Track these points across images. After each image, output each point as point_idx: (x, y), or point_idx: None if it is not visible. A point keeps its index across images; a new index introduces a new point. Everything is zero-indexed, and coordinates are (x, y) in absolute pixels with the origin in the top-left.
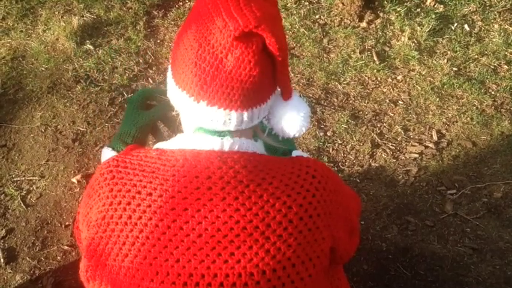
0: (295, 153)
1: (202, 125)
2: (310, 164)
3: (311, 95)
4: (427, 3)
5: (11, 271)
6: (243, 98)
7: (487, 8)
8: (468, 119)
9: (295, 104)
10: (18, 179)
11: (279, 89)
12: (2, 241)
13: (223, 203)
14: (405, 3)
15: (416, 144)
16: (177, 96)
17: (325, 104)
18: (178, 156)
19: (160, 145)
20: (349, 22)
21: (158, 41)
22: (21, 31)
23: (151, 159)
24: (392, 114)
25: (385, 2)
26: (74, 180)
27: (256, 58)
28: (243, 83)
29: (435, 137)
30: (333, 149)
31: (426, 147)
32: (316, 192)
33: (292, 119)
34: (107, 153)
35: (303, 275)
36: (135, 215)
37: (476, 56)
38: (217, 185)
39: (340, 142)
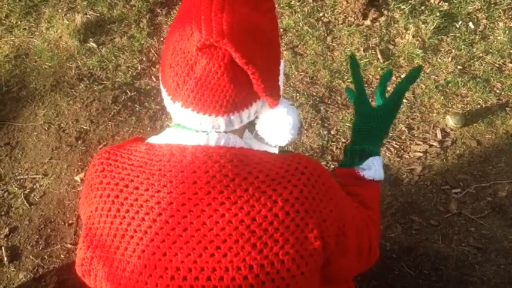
0: (371, 160)
1: (181, 123)
2: (302, 160)
3: (315, 93)
4: (432, 1)
5: (14, 269)
6: (216, 104)
7: (492, 5)
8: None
9: (281, 113)
10: (22, 177)
11: None
12: (5, 239)
13: (208, 197)
14: (409, 1)
15: (420, 143)
16: (162, 92)
17: (329, 102)
18: (165, 151)
19: (151, 140)
20: (353, 20)
21: (161, 39)
22: (25, 29)
23: (140, 153)
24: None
25: (390, 0)
26: (77, 178)
27: (223, 69)
28: (213, 91)
29: (439, 136)
30: (336, 148)
31: (430, 146)
32: (303, 188)
33: (276, 128)
34: None
35: (294, 272)
36: (122, 208)
37: (481, 54)
38: (202, 179)
39: (344, 141)
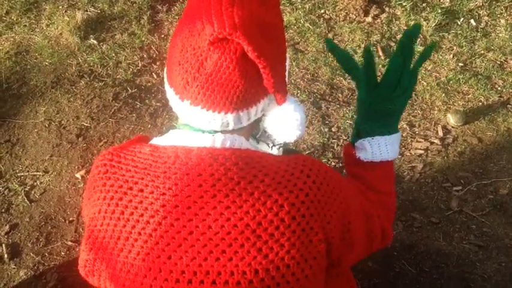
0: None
1: (189, 123)
2: (307, 163)
3: (316, 91)
4: None
5: (14, 267)
6: (225, 100)
7: (493, 2)
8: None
9: (288, 110)
10: (22, 174)
11: None
12: (6, 236)
13: (214, 200)
14: None
15: (421, 140)
16: (168, 91)
17: (330, 99)
18: (170, 153)
19: (155, 141)
20: (354, 17)
21: (162, 36)
22: (25, 26)
23: (144, 155)
24: None
25: None
26: (77, 175)
27: (235, 64)
28: (224, 87)
29: (441, 133)
30: (337, 145)
31: (432, 143)
32: (309, 192)
33: (283, 125)
34: None
35: (299, 275)
36: (127, 210)
37: (483, 51)
38: (207, 182)
39: (345, 138)
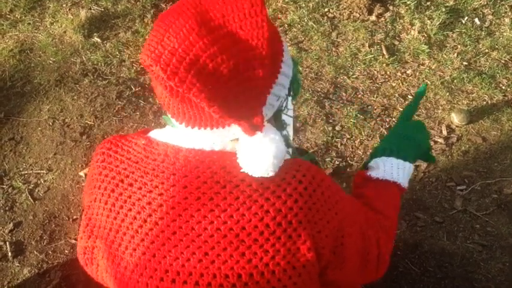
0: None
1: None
2: (302, 168)
3: (319, 89)
4: None
5: (18, 264)
6: (200, 120)
7: (498, 1)
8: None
9: (263, 142)
10: (26, 172)
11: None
12: (9, 234)
13: (198, 202)
14: None
15: None
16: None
17: (334, 98)
18: (161, 150)
19: (154, 133)
20: (358, 15)
21: None
22: (29, 24)
23: (138, 148)
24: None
25: None
26: (81, 173)
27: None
28: (193, 108)
29: (445, 132)
30: (341, 144)
31: (436, 142)
32: (299, 198)
33: (255, 158)
34: None
35: (286, 282)
36: (117, 203)
37: (487, 50)
38: (193, 184)
39: (348, 137)
